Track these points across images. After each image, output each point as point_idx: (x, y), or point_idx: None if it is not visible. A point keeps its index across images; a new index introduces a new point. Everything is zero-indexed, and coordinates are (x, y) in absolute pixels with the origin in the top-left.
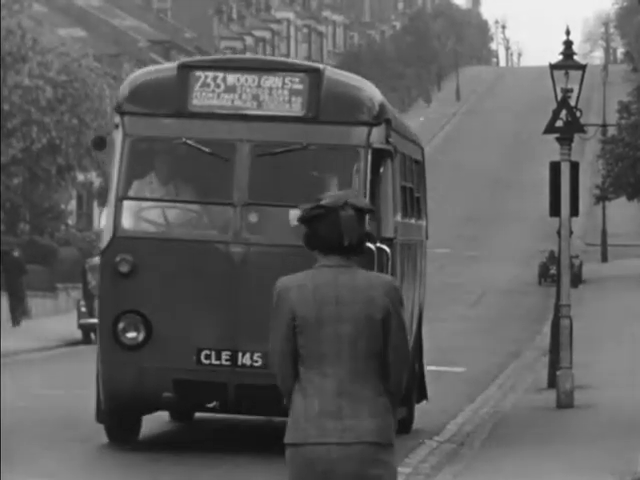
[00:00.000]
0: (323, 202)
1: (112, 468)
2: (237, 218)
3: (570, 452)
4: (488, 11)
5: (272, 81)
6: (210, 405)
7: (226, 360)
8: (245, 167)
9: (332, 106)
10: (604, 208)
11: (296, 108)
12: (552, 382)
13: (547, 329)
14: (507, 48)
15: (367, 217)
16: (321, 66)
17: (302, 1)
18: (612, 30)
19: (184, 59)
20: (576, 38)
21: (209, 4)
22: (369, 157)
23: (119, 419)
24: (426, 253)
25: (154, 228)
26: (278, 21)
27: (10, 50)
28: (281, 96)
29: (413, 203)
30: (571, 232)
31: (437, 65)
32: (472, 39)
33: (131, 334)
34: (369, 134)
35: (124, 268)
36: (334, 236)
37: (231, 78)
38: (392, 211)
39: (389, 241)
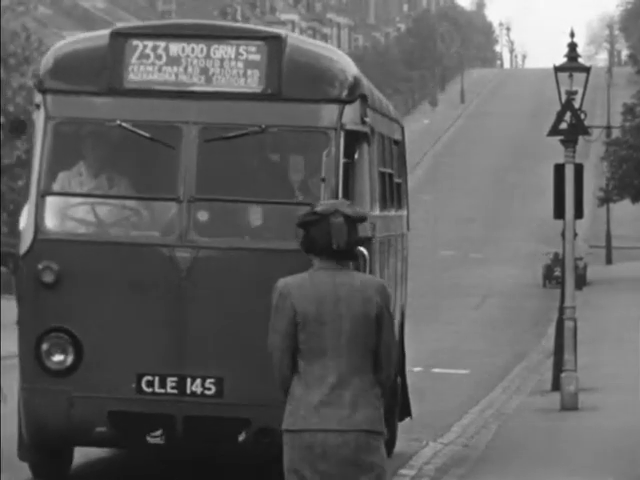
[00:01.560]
0: (316, 209)
1: None
2: (183, 216)
3: (574, 454)
4: (492, 13)
5: (224, 51)
6: (154, 437)
7: (172, 388)
8: (192, 155)
9: (296, 80)
10: (608, 210)
11: (253, 83)
12: (556, 384)
13: (551, 331)
14: (511, 50)
15: (360, 224)
16: (283, 32)
17: (307, 3)
18: (616, 32)
19: (118, 25)
20: (580, 40)
21: (214, 6)
22: (341, 141)
23: (45, 456)
24: (408, 247)
25: (84, 229)
26: (283, 23)
27: (14, 52)
28: (235, 69)
29: (393, 191)
30: (575, 234)
31: (442, 67)
32: (477, 41)
33: (57, 357)
34: (341, 113)
35: (48, 277)
36: (324, 240)
37: (175, 48)
38: (369, 205)
39: (366, 241)
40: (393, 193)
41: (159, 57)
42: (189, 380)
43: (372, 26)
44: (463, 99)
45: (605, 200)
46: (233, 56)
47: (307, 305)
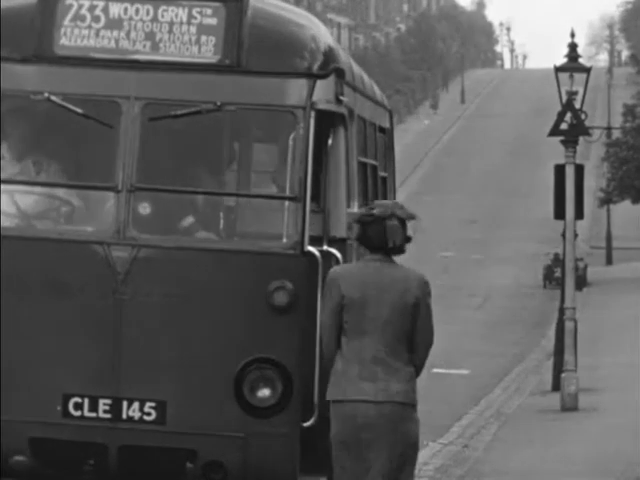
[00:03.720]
0: (374, 211)
1: None
2: (121, 208)
3: (574, 454)
4: (493, 13)
5: (174, 13)
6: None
7: (105, 412)
8: (134, 136)
9: (259, 49)
10: (609, 211)
11: (208, 52)
12: (556, 385)
13: (552, 332)
14: (512, 50)
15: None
16: None
17: (307, 3)
18: (617, 33)
19: None
20: (581, 41)
21: None
22: (311, 122)
23: None
24: None
25: (5, 222)
26: None
27: None
28: (186, 35)
29: (376, 186)
30: (576, 235)
31: (443, 67)
32: (477, 41)
33: None
34: (311, 90)
35: None
36: (380, 240)
37: (116, 8)
38: (345, 200)
39: (340, 242)
40: (377, 188)
41: (97, 19)
42: (125, 403)
43: (372, 26)
44: (463, 99)
45: (605, 201)
46: (185, 19)
47: (353, 290)
